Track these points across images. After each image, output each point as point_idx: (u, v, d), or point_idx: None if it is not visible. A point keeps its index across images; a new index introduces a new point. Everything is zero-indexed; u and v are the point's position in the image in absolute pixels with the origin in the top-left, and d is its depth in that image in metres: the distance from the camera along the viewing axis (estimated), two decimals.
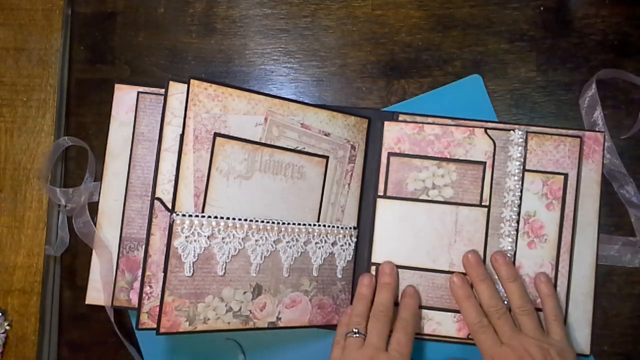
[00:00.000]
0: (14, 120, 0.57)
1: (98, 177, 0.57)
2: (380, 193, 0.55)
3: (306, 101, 0.56)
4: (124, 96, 0.56)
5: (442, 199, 0.53)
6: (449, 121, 0.55)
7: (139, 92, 0.55)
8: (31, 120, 0.57)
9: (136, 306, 0.52)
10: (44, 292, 0.57)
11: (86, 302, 0.54)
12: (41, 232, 0.56)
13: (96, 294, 0.54)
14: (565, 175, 0.53)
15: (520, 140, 0.53)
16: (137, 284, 0.54)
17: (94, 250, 0.54)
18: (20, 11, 0.58)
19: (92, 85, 0.59)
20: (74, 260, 0.58)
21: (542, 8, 0.57)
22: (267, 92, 0.51)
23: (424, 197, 0.54)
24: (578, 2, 0.57)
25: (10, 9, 0.58)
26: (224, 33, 0.59)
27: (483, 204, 0.53)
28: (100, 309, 0.54)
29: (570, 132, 0.54)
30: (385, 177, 0.55)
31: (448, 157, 0.54)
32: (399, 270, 0.54)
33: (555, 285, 0.53)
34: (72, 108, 0.59)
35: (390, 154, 0.54)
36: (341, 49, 0.58)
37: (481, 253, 0.53)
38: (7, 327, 0.56)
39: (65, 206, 0.57)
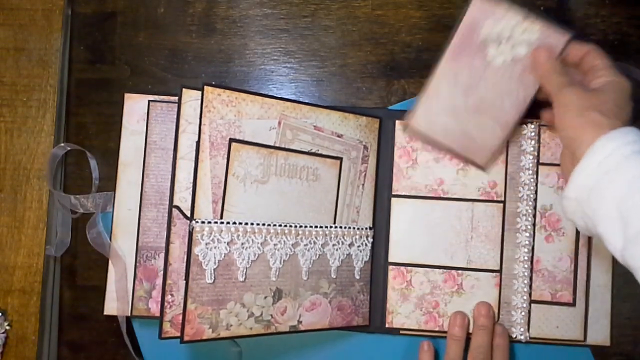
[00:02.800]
0: (14, 120, 0.57)
1: (102, 179, 0.57)
2: (395, 192, 0.55)
3: (306, 102, 0.56)
4: (134, 105, 0.56)
5: (512, 56, 0.50)
6: None
7: (149, 101, 0.55)
8: (31, 120, 0.57)
9: (155, 315, 0.53)
10: (44, 292, 0.57)
11: (104, 313, 0.54)
12: (41, 232, 0.56)
13: (114, 304, 0.54)
14: None
15: (533, 133, 0.54)
16: (155, 293, 0.54)
17: (110, 261, 0.54)
18: (20, 11, 0.58)
19: (92, 85, 0.59)
20: (74, 260, 0.58)
21: (542, 8, 0.57)
22: (271, 94, 0.52)
23: (493, 47, 0.50)
24: (578, 2, 0.57)
25: (10, 9, 0.58)
26: (224, 33, 0.59)
27: (498, 199, 0.54)
28: (100, 308, 0.54)
29: None
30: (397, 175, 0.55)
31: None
32: (414, 268, 0.54)
33: (574, 278, 0.53)
34: (72, 108, 0.59)
35: None
36: (341, 49, 0.58)
37: (499, 248, 0.53)
38: (7, 327, 0.56)
39: (75, 212, 0.57)
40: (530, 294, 0.53)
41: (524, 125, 0.54)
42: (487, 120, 0.51)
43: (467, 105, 0.51)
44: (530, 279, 0.53)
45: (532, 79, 0.49)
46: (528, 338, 0.53)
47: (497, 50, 0.50)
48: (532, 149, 0.53)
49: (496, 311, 0.53)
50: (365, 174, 0.55)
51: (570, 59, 0.48)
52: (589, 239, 0.53)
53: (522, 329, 0.53)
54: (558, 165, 0.53)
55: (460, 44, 0.50)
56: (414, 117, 0.52)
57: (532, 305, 0.53)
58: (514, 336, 0.53)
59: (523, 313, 0.53)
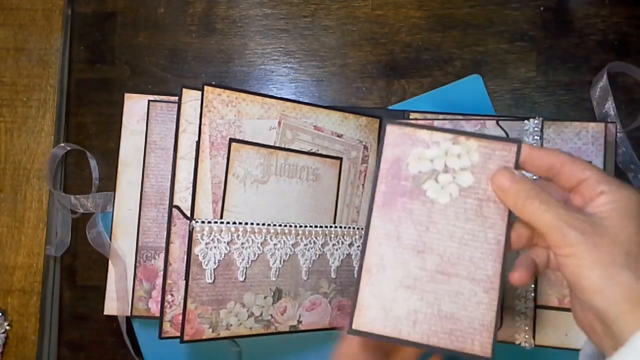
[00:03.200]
0: (14, 120, 0.57)
1: (102, 179, 0.57)
2: None
3: (306, 102, 0.56)
4: (134, 105, 0.56)
5: (457, 189, 0.37)
6: (459, 116, 0.55)
7: (149, 101, 0.55)
8: (31, 120, 0.57)
9: (155, 315, 0.53)
10: (44, 292, 0.57)
11: (104, 313, 0.54)
12: (41, 232, 0.56)
13: (114, 304, 0.54)
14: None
15: (536, 129, 0.52)
16: (155, 293, 0.54)
17: (110, 261, 0.55)
18: (20, 11, 0.58)
19: (92, 85, 0.59)
20: (74, 260, 0.58)
21: (542, 8, 0.57)
22: (271, 94, 0.51)
23: (430, 184, 0.37)
24: (578, 2, 0.57)
25: (10, 9, 0.58)
26: (224, 33, 0.59)
27: None
28: (100, 308, 0.54)
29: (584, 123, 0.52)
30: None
31: None
32: None
33: None
34: (72, 108, 0.59)
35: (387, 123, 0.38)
36: (341, 49, 0.58)
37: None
38: (7, 327, 0.56)
39: (75, 212, 0.57)
40: (535, 299, 0.52)
41: (526, 121, 0.53)
42: (462, 285, 0.37)
43: (427, 270, 0.37)
44: (535, 283, 0.52)
45: (494, 212, 0.36)
46: (533, 345, 0.51)
47: (436, 185, 0.37)
48: (534, 144, 0.53)
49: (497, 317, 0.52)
50: (365, 174, 0.55)
51: (539, 173, 0.35)
52: None
53: (526, 336, 0.51)
54: None
55: (387, 189, 0.37)
56: (359, 316, 0.36)
57: (538, 310, 0.52)
58: (517, 342, 0.51)
59: (527, 319, 0.51)
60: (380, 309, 0.37)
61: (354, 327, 0.36)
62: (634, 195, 0.31)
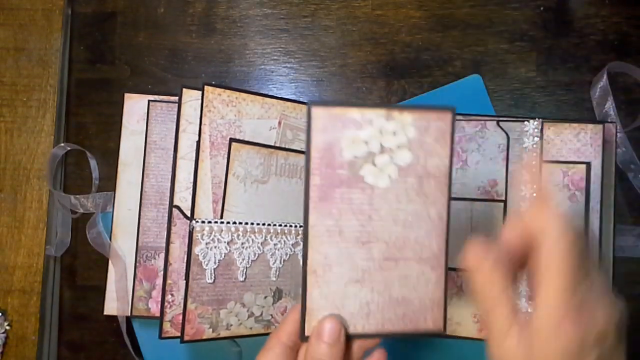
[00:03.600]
0: (14, 120, 0.57)
1: (102, 179, 0.57)
2: None
3: (306, 102, 0.56)
4: (134, 105, 0.56)
5: (396, 169, 0.36)
6: (460, 117, 0.55)
7: (149, 101, 0.55)
8: (31, 120, 0.57)
9: (155, 315, 0.53)
10: (44, 292, 0.57)
11: (104, 313, 0.54)
12: (41, 232, 0.56)
13: (114, 304, 0.54)
14: (588, 164, 0.51)
15: (536, 130, 0.53)
16: (155, 293, 0.54)
17: (110, 261, 0.54)
18: (20, 11, 0.58)
19: (92, 85, 0.59)
20: (74, 260, 0.58)
21: (542, 8, 0.57)
22: (271, 94, 0.51)
23: (368, 168, 0.35)
24: (578, 2, 0.57)
25: (10, 9, 0.58)
26: (224, 33, 0.59)
27: (498, 198, 0.53)
28: (100, 308, 0.54)
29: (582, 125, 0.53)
30: None
31: (460, 151, 0.52)
32: None
33: None
34: (72, 108, 0.59)
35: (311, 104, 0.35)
36: (341, 49, 0.58)
37: None
38: (7, 327, 0.56)
39: (75, 212, 0.57)
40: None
41: (526, 122, 0.53)
42: (410, 267, 0.37)
43: (374, 261, 0.36)
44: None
45: (436, 187, 0.36)
46: None
47: (374, 168, 0.35)
48: (534, 146, 0.53)
49: None
50: None
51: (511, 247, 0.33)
52: (600, 239, 0.52)
53: None
54: (563, 162, 0.53)
55: (323, 182, 0.36)
56: (310, 319, 0.36)
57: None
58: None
59: (527, 317, 0.52)
60: (332, 309, 0.36)
61: (306, 333, 0.35)
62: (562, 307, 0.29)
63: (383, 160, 0.35)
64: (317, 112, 0.35)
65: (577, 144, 0.52)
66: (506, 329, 0.31)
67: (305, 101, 0.54)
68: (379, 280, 0.36)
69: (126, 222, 0.55)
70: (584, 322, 0.29)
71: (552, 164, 0.52)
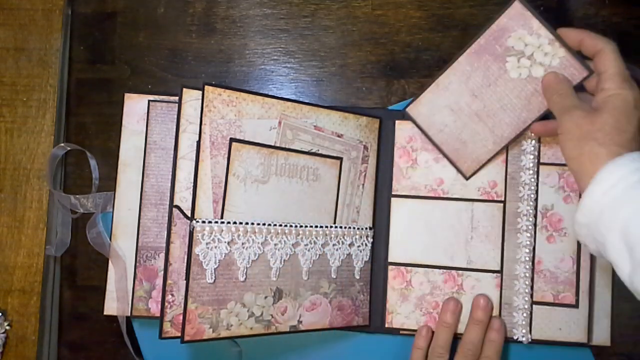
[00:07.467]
0: (14, 120, 0.57)
1: (102, 179, 0.58)
2: (395, 192, 0.55)
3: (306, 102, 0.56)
4: (135, 105, 0.56)
5: (527, 73, 0.49)
6: None
7: (149, 101, 0.55)
8: (31, 120, 0.57)
9: (155, 315, 0.53)
10: (44, 292, 0.57)
11: (104, 313, 0.54)
12: (41, 232, 0.56)
13: (114, 304, 0.54)
14: None
15: (534, 133, 0.53)
16: (155, 293, 0.54)
17: (110, 261, 0.54)
18: (20, 11, 0.58)
19: (92, 85, 0.59)
20: (74, 260, 0.58)
21: (542, 8, 0.57)
22: (271, 94, 0.51)
23: (512, 60, 0.49)
24: (578, 2, 0.57)
25: (10, 9, 0.58)
26: (224, 33, 0.59)
27: (498, 199, 0.54)
28: (100, 308, 0.54)
29: None
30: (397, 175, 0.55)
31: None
32: (414, 268, 0.54)
33: (577, 279, 0.52)
34: (72, 108, 0.59)
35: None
36: (341, 49, 0.58)
37: (499, 249, 0.53)
38: (7, 327, 0.56)
39: (75, 212, 0.57)
40: (531, 295, 0.53)
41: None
42: (483, 130, 0.52)
43: (470, 108, 0.51)
44: (532, 280, 0.53)
45: (538, 104, 0.49)
46: (530, 339, 0.52)
47: (517, 63, 0.49)
48: (532, 148, 0.53)
49: (497, 312, 0.53)
50: (365, 174, 0.55)
51: (585, 52, 0.47)
52: None
53: (523, 331, 0.52)
54: (559, 165, 0.53)
55: (484, 44, 0.50)
56: (417, 104, 0.53)
57: (534, 306, 0.53)
58: (515, 337, 0.53)
59: (524, 314, 0.52)
60: (428, 111, 0.53)
61: (411, 109, 0.55)
62: (630, 96, 0.42)
63: (525, 62, 0.49)
64: (516, 6, 0.48)
65: None
66: (577, 107, 0.43)
67: (305, 101, 0.54)
68: (462, 120, 0.52)
69: (126, 222, 0.55)
70: (635, 88, 0.43)
71: (548, 166, 0.53)
